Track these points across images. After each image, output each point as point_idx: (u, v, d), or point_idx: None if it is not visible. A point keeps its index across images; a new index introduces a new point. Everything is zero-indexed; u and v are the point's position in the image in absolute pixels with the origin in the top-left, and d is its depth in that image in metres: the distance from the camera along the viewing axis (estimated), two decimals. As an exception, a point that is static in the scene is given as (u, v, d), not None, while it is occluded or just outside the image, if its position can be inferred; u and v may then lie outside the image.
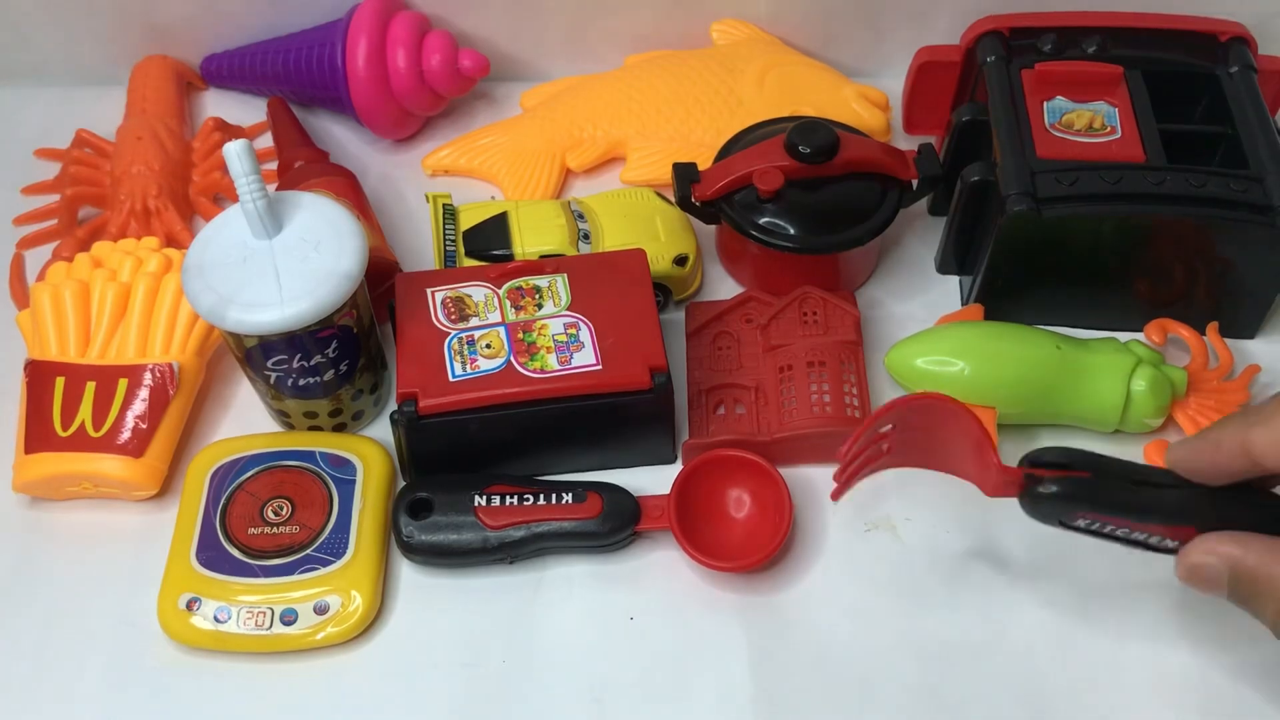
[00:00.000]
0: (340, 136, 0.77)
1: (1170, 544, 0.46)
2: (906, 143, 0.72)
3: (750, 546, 0.55)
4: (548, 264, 0.60)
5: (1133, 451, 0.58)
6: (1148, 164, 0.59)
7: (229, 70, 0.79)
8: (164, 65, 0.78)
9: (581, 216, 0.66)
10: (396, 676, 0.53)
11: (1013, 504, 0.48)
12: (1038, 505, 0.47)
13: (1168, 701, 0.51)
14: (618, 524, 0.55)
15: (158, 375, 0.59)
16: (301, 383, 0.57)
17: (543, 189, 0.72)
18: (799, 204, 0.62)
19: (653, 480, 0.58)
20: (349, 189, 0.68)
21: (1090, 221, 0.58)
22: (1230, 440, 0.43)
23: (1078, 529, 0.47)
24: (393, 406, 0.57)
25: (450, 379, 0.55)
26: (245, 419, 0.62)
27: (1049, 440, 0.60)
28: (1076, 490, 0.46)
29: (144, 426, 0.58)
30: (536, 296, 0.59)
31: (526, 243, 0.64)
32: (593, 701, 0.52)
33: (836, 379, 0.59)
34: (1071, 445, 0.58)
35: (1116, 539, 0.47)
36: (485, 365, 0.56)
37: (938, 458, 0.50)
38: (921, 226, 0.70)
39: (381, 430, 0.61)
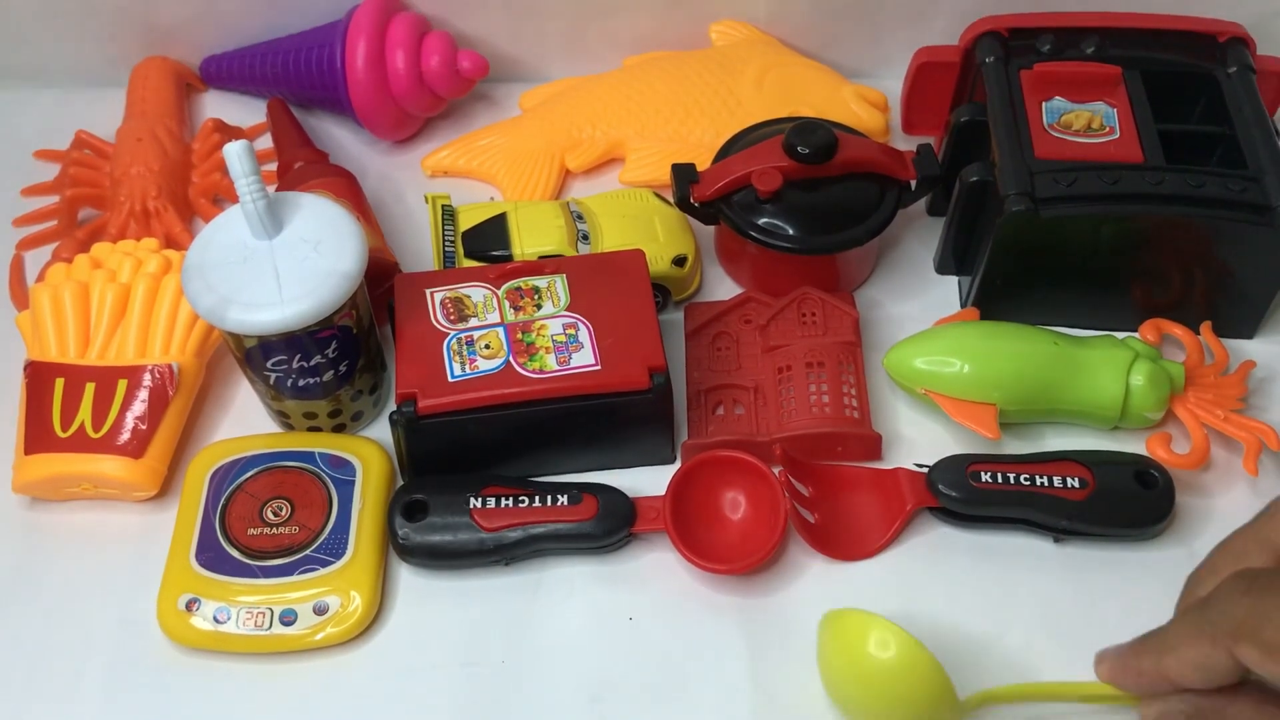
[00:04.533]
0: (340, 137, 0.77)
1: (1071, 483, 0.54)
2: (905, 143, 0.72)
3: (746, 548, 0.55)
4: (547, 264, 0.60)
5: (1134, 446, 0.58)
6: (1146, 164, 0.59)
7: (228, 71, 0.79)
8: (163, 67, 0.78)
9: (580, 217, 0.66)
10: (396, 676, 0.53)
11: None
12: (947, 471, 0.55)
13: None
14: (613, 526, 0.55)
15: (157, 376, 0.59)
16: (301, 383, 0.57)
17: (542, 190, 0.72)
18: (798, 204, 0.62)
19: (652, 481, 0.58)
20: (349, 190, 0.68)
21: (1089, 222, 0.58)
22: (1150, 671, 0.44)
23: (987, 486, 0.55)
24: (392, 407, 0.57)
25: (449, 379, 0.55)
26: (245, 419, 0.62)
27: (1052, 438, 0.60)
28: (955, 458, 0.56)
29: (143, 427, 0.58)
30: (535, 297, 0.59)
31: (525, 243, 0.64)
32: (592, 702, 0.52)
33: (835, 380, 0.59)
34: (1074, 443, 0.59)
35: (1023, 489, 0.55)
36: (484, 366, 0.56)
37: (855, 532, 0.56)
38: (920, 227, 0.70)
39: (381, 431, 0.61)
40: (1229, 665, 0.40)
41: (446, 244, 0.64)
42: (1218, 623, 0.40)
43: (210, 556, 0.54)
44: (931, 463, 0.56)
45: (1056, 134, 0.61)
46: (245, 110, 0.79)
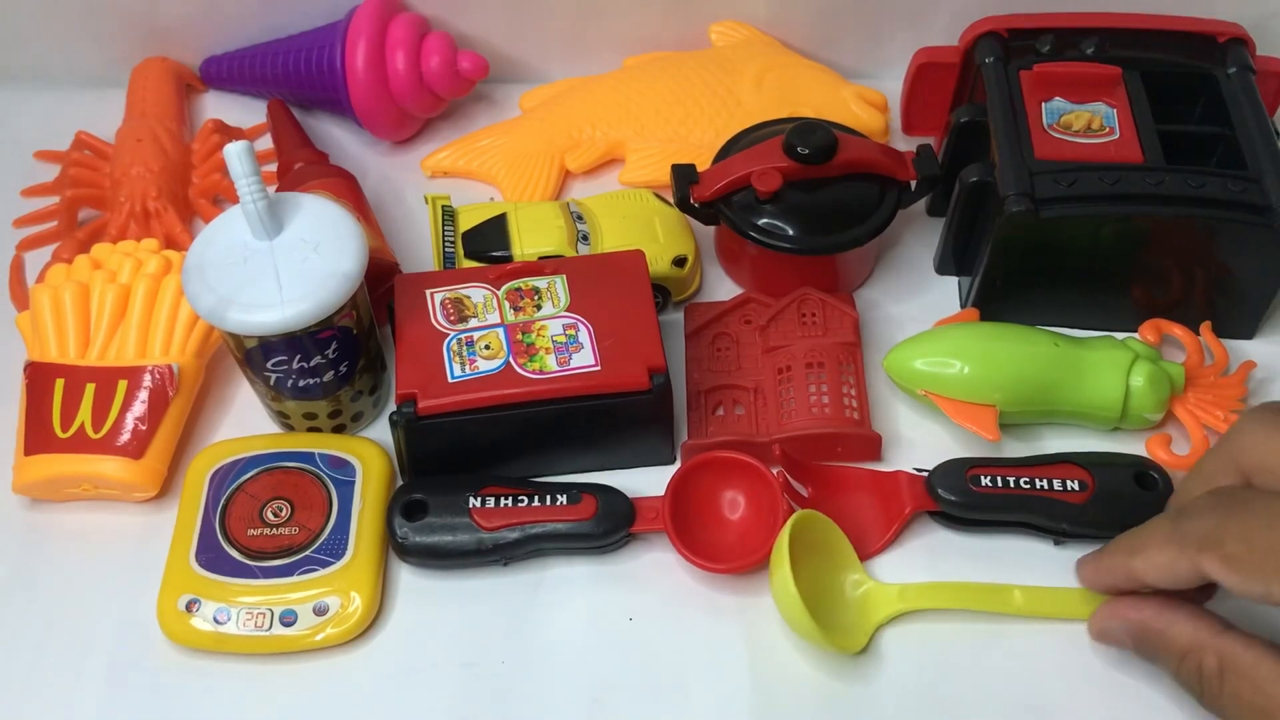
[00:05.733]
0: (340, 138, 0.77)
1: (1071, 485, 0.55)
2: (905, 144, 0.72)
3: (745, 548, 0.55)
4: (547, 265, 0.60)
5: (1134, 448, 0.58)
6: (1146, 165, 0.59)
7: (228, 72, 0.79)
8: (163, 67, 0.78)
9: (580, 218, 0.66)
10: (396, 677, 0.53)
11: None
12: (947, 475, 0.55)
13: (1169, 701, 0.51)
14: (612, 526, 0.55)
15: (157, 377, 0.59)
16: (301, 384, 0.57)
17: (542, 190, 0.72)
18: (797, 205, 0.62)
19: (652, 481, 0.58)
20: (349, 190, 0.68)
21: (1089, 222, 0.58)
22: (1120, 568, 0.48)
23: (987, 490, 0.55)
24: (392, 408, 0.57)
25: (449, 380, 0.55)
26: (245, 420, 0.62)
27: (1052, 439, 0.60)
28: (955, 462, 0.56)
29: (143, 428, 0.58)
30: (535, 298, 0.59)
31: (525, 244, 0.64)
32: (592, 702, 0.52)
33: (835, 380, 0.59)
34: (1074, 444, 0.59)
35: (1023, 493, 0.55)
36: (484, 366, 0.56)
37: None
38: (920, 227, 0.70)
39: (381, 431, 0.61)
40: (1191, 572, 0.44)
41: (446, 244, 0.64)
42: (1187, 532, 0.44)
43: (210, 557, 0.54)
44: (931, 466, 0.56)
45: (1056, 134, 0.61)
46: (245, 111, 0.79)
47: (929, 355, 0.59)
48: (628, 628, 0.54)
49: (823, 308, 0.62)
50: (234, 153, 0.52)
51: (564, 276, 0.60)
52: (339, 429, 0.61)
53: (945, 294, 0.67)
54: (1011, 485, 0.55)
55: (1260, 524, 0.42)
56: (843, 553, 0.55)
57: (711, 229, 0.67)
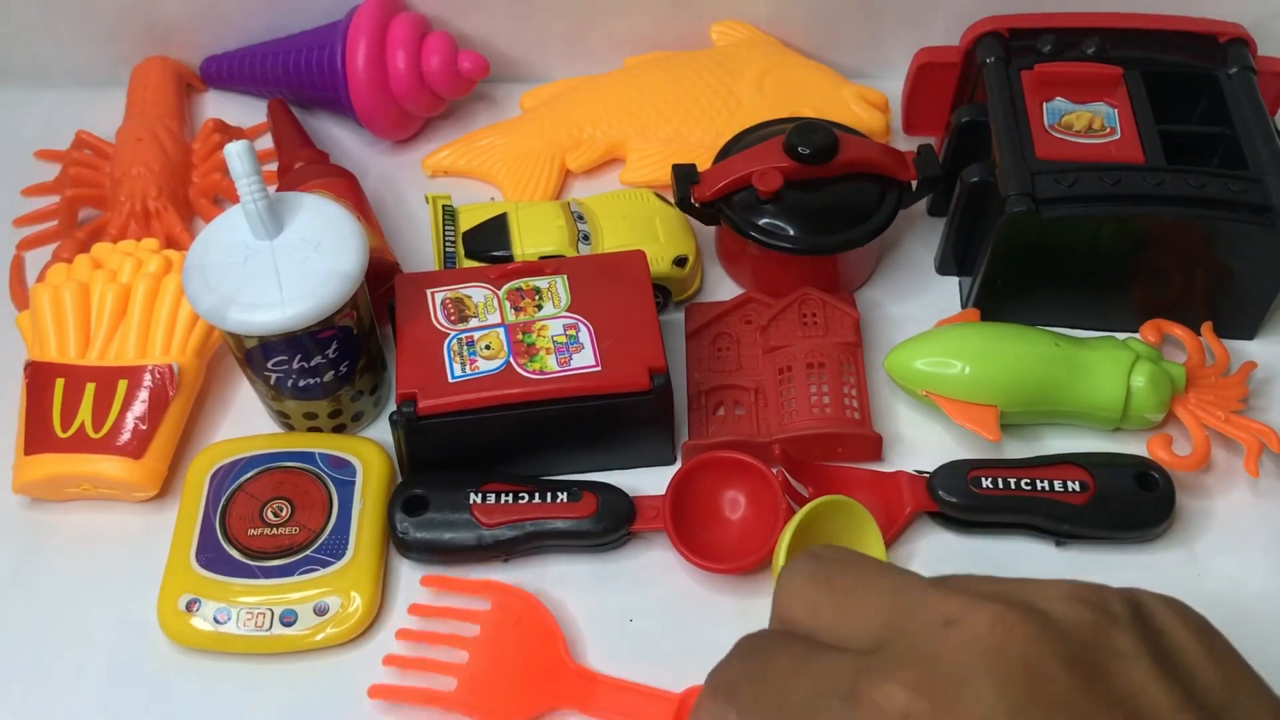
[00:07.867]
0: (340, 138, 0.77)
1: (1072, 486, 0.55)
2: (906, 144, 0.72)
3: (745, 548, 0.55)
4: (547, 265, 0.60)
5: (1135, 448, 0.58)
6: (1147, 165, 0.59)
7: (229, 72, 0.79)
8: (164, 67, 0.78)
9: (581, 218, 0.66)
10: (396, 677, 0.53)
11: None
12: (948, 477, 0.55)
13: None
14: (612, 524, 0.55)
15: (157, 376, 0.59)
16: (301, 383, 0.57)
17: (542, 190, 0.72)
18: (798, 205, 0.62)
19: (653, 482, 0.58)
20: (349, 190, 0.68)
21: (1090, 222, 0.58)
22: None
23: (988, 492, 0.55)
24: (392, 407, 0.57)
25: (449, 380, 0.55)
26: (245, 420, 0.62)
27: (1053, 439, 0.60)
28: (956, 463, 0.57)
29: (144, 428, 0.58)
30: (536, 298, 0.59)
31: (526, 244, 0.64)
32: (592, 702, 0.52)
33: (836, 380, 0.59)
34: (1075, 444, 0.59)
35: (1024, 494, 0.55)
36: (485, 366, 0.56)
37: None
38: (921, 227, 0.70)
39: (381, 431, 0.61)
40: None
41: (447, 244, 0.64)
42: (715, 679, 0.36)
43: (210, 557, 0.54)
44: (932, 467, 0.56)
45: (1057, 135, 0.61)
46: (246, 110, 0.79)
47: (930, 355, 0.59)
48: (628, 627, 0.54)
49: (823, 308, 0.62)
50: (234, 152, 0.52)
51: (565, 276, 0.59)
52: (339, 429, 0.61)
53: (946, 294, 0.67)
54: (1012, 486, 0.55)
55: (776, 672, 0.34)
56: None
57: (712, 229, 0.67)
